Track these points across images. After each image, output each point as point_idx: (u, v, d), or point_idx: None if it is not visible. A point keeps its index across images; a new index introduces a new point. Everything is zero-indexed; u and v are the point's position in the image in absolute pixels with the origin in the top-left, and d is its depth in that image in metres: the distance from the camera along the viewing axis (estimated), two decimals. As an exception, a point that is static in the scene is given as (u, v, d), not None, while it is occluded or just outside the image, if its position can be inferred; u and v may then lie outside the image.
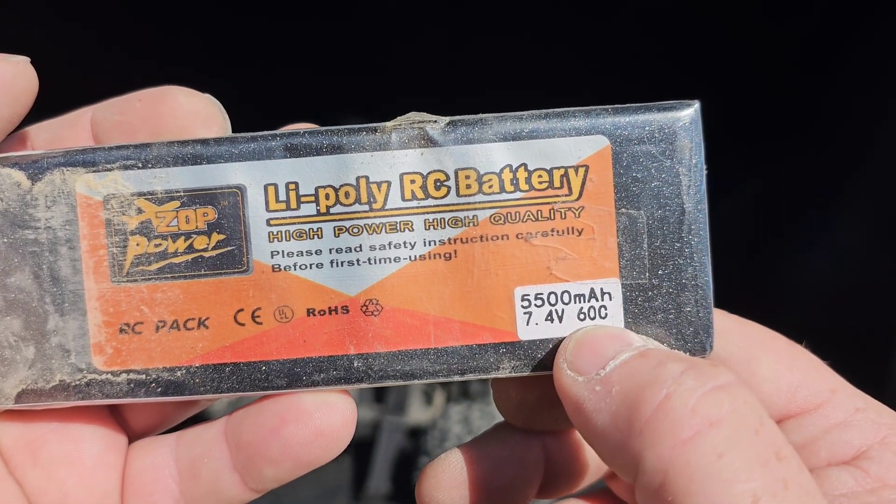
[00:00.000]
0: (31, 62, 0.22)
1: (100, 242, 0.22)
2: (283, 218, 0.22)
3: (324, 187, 0.22)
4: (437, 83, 0.68)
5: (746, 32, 0.68)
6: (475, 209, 0.22)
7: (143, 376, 0.22)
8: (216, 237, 0.22)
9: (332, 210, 0.22)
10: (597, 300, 0.22)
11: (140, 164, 0.22)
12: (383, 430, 0.78)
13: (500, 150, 0.22)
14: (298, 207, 0.22)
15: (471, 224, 0.22)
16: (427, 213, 0.22)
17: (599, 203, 0.22)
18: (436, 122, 0.22)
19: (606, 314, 0.22)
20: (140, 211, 0.22)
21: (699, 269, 0.22)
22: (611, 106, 0.22)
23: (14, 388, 0.22)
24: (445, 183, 0.22)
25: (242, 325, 0.22)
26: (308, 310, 0.22)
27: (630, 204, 0.22)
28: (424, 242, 0.22)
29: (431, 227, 0.22)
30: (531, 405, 0.24)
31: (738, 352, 0.24)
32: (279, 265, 0.22)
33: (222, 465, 0.23)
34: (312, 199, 0.22)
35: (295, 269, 0.22)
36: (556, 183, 0.22)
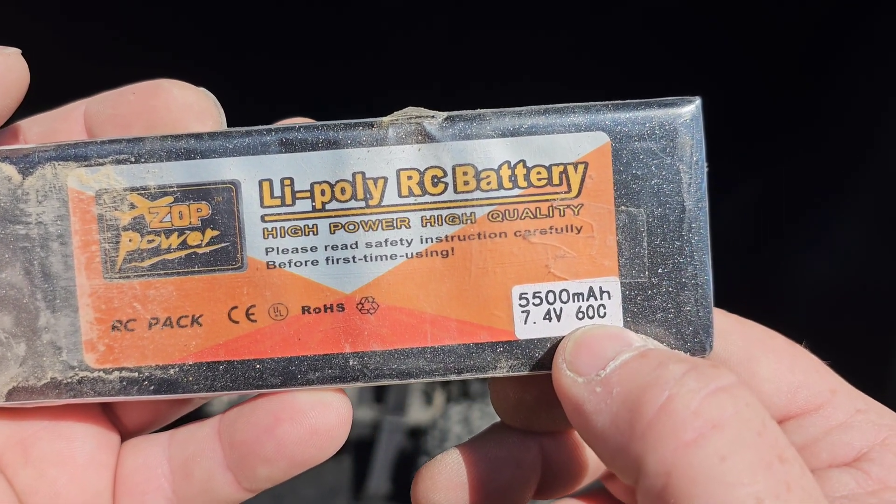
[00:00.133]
0: (24, 53, 0.22)
1: (92, 238, 0.22)
2: (278, 214, 0.22)
3: (319, 183, 0.22)
4: (436, 75, 0.68)
5: (748, 31, 0.67)
6: (473, 206, 0.22)
7: (136, 374, 0.22)
8: (210, 233, 0.22)
9: (327, 206, 0.22)
10: (596, 299, 0.22)
11: (133, 159, 0.22)
12: (383, 430, 0.78)
13: (498, 146, 0.21)
14: (293, 203, 0.22)
15: (468, 221, 0.22)
16: (424, 209, 0.22)
17: (599, 200, 0.21)
18: (433, 117, 0.22)
19: (605, 313, 0.22)
20: (133, 206, 0.22)
21: (699, 267, 0.22)
22: (611, 102, 0.22)
23: (5, 386, 0.22)
24: (443, 179, 0.22)
25: (236, 322, 0.22)
26: (303, 307, 0.22)
27: (630, 201, 0.21)
28: (421, 240, 0.22)
29: (428, 225, 0.22)
30: (529, 405, 0.24)
31: (738, 352, 0.23)
32: (274, 262, 0.22)
33: (215, 464, 0.22)
34: (308, 194, 0.22)
35: (290, 266, 0.22)
36: (555, 180, 0.21)
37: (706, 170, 0.22)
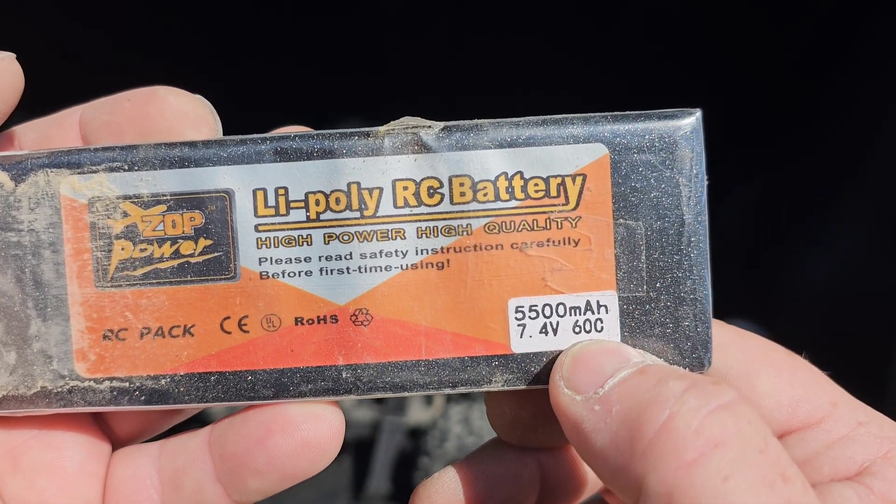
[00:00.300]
0: (19, 58, 0.22)
1: (84, 246, 0.22)
2: (272, 224, 0.21)
3: (314, 193, 0.21)
4: (437, 85, 0.68)
5: (747, 36, 0.67)
6: (469, 217, 0.21)
7: (127, 384, 0.22)
8: (203, 242, 0.21)
9: (322, 216, 0.21)
10: (593, 313, 0.21)
11: (126, 167, 0.21)
12: (383, 430, 0.77)
13: (495, 157, 0.21)
14: (288, 213, 0.21)
15: (464, 233, 0.21)
16: (420, 220, 0.21)
17: (597, 213, 0.21)
18: (430, 127, 0.21)
19: (602, 327, 0.21)
20: (125, 214, 0.21)
21: (698, 282, 0.21)
22: (610, 113, 0.21)
23: None
24: (439, 190, 0.21)
25: (229, 333, 0.22)
26: (296, 318, 0.21)
27: (628, 214, 0.21)
28: (417, 251, 0.21)
29: (424, 236, 0.21)
30: (525, 422, 0.24)
31: (738, 366, 0.23)
32: (267, 272, 0.21)
33: (205, 475, 0.22)
34: (302, 204, 0.21)
35: (283, 277, 0.21)
36: (553, 192, 0.21)
37: (706, 183, 0.21)
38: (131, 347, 0.22)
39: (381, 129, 0.21)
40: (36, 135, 0.24)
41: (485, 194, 0.21)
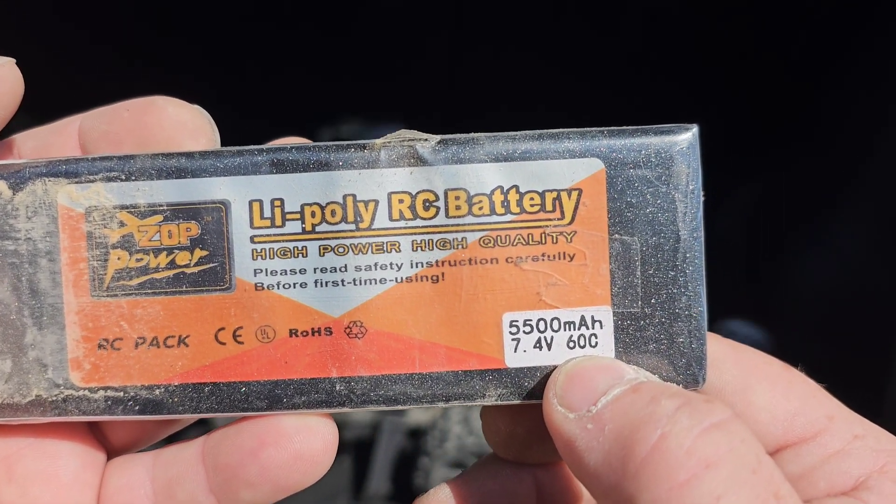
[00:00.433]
0: (18, 63, 0.22)
1: (80, 255, 0.22)
2: (268, 235, 0.21)
3: (310, 205, 0.21)
4: (435, 96, 0.68)
5: (747, 39, 0.67)
6: (464, 231, 0.21)
7: (121, 394, 0.22)
8: (199, 253, 0.22)
9: (317, 228, 0.21)
10: (587, 328, 0.21)
11: (123, 177, 0.21)
12: (383, 430, 0.77)
13: (491, 170, 0.21)
14: (283, 225, 0.21)
15: (459, 246, 0.21)
16: (415, 233, 0.21)
17: (592, 228, 0.21)
18: (426, 140, 0.21)
19: (597, 343, 0.21)
20: (122, 224, 0.22)
21: (693, 298, 0.21)
22: (606, 128, 0.21)
23: None
24: (434, 203, 0.21)
25: (223, 344, 0.22)
26: (290, 330, 0.21)
27: (624, 230, 0.21)
28: (411, 264, 0.21)
29: (419, 249, 0.21)
30: (521, 438, 0.24)
31: (733, 381, 0.23)
32: (262, 284, 0.21)
33: (198, 486, 0.22)
34: (298, 216, 0.21)
35: (278, 289, 0.21)
36: (549, 206, 0.21)
37: (702, 199, 0.21)
38: (126, 357, 0.22)
39: (378, 141, 0.21)
40: (36, 143, 0.24)
41: (480, 208, 0.21)
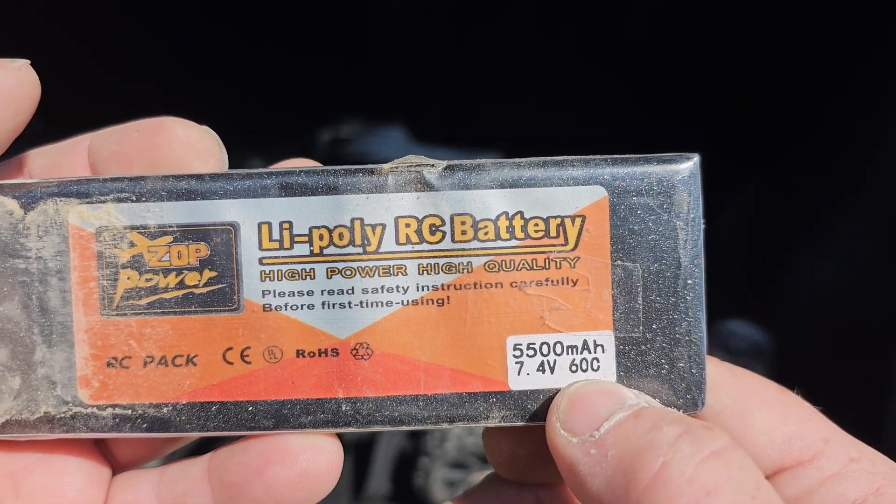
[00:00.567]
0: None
1: (90, 275, 0.22)
2: (276, 257, 0.22)
3: (318, 228, 0.22)
4: (436, 99, 0.68)
5: (749, 42, 0.67)
6: (470, 256, 0.22)
7: (129, 411, 0.22)
8: (208, 274, 0.22)
9: (325, 251, 0.22)
10: (589, 352, 0.22)
11: (134, 198, 0.22)
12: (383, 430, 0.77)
13: (496, 196, 0.22)
14: (292, 247, 0.22)
15: (465, 271, 0.22)
16: (421, 257, 0.22)
17: (595, 254, 0.22)
18: (433, 165, 0.22)
19: (599, 367, 0.22)
20: (132, 244, 0.22)
21: (693, 324, 0.22)
22: (609, 156, 0.22)
23: None
24: (441, 228, 0.22)
25: (231, 363, 0.22)
26: (298, 351, 0.22)
27: (626, 256, 0.22)
28: (417, 287, 0.22)
29: (425, 273, 0.22)
30: (523, 459, 0.24)
31: (732, 404, 0.23)
32: (270, 305, 0.22)
33: (204, 503, 0.23)
34: (306, 239, 0.22)
35: (286, 310, 0.22)
36: (553, 232, 0.22)
37: (703, 227, 0.22)
38: (134, 375, 0.22)
39: (385, 166, 0.22)
40: (45, 161, 0.24)
41: (486, 233, 0.22)
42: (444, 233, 0.22)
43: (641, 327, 0.22)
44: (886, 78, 0.60)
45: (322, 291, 0.22)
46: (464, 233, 0.22)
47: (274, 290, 0.22)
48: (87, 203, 0.22)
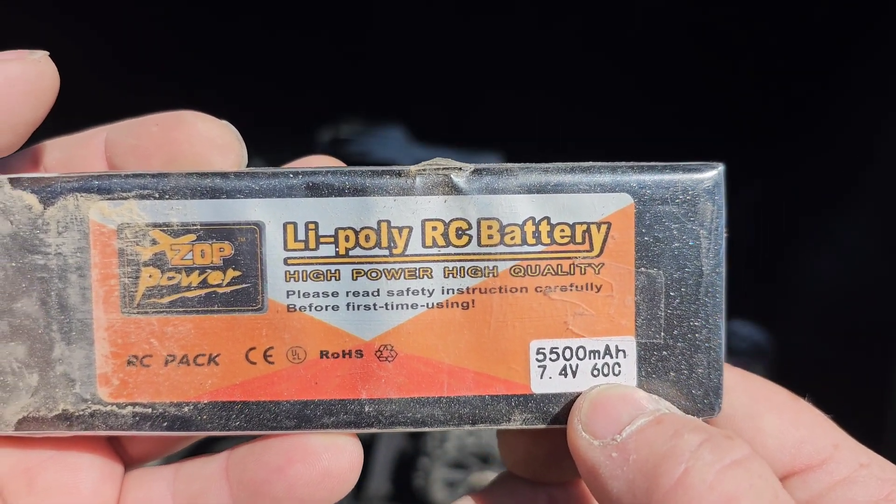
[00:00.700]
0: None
1: (111, 272, 0.22)
2: (301, 258, 0.22)
3: (344, 229, 0.22)
4: (437, 99, 0.68)
5: (749, 37, 0.67)
6: (496, 260, 0.22)
7: (150, 410, 0.22)
8: (231, 273, 0.22)
9: (351, 252, 0.22)
10: (611, 357, 0.22)
11: (157, 195, 0.21)
12: (383, 430, 0.77)
13: (523, 201, 0.22)
14: (317, 248, 0.22)
15: (490, 275, 0.22)
16: (447, 261, 0.22)
17: (620, 261, 0.22)
18: (461, 169, 0.22)
19: (620, 371, 0.22)
20: (154, 242, 0.22)
21: (713, 331, 0.22)
22: (636, 164, 0.22)
23: (14, 415, 0.22)
24: (467, 232, 0.22)
25: (254, 363, 0.22)
26: (321, 352, 0.22)
27: (650, 263, 0.22)
28: (443, 290, 0.22)
29: (451, 276, 0.22)
30: (539, 459, 0.24)
31: (743, 408, 0.24)
32: (294, 305, 0.22)
33: (221, 501, 0.22)
34: (332, 240, 0.22)
35: (310, 311, 0.22)
36: (578, 238, 0.22)
37: (725, 236, 0.22)
38: (155, 374, 0.22)
39: (413, 168, 0.22)
40: (60, 154, 0.24)
41: (512, 238, 0.22)
42: (470, 236, 0.22)
43: (663, 333, 0.22)
44: (887, 76, 0.61)
45: (347, 293, 0.22)
46: (490, 237, 0.22)
47: (298, 291, 0.22)
48: (109, 199, 0.21)
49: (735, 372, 0.24)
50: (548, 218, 0.22)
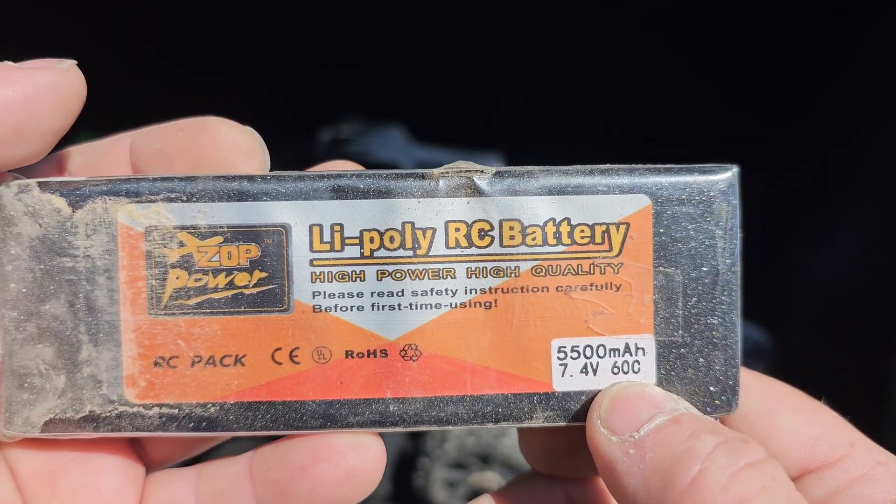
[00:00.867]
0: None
1: (139, 274, 0.22)
2: (327, 259, 0.22)
3: (369, 230, 0.22)
4: (436, 99, 0.68)
5: (751, 36, 0.68)
6: (517, 260, 0.22)
7: (176, 411, 0.22)
8: (258, 275, 0.22)
9: (375, 254, 0.22)
10: (631, 355, 0.22)
11: (184, 198, 0.22)
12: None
13: (544, 203, 0.22)
14: (342, 249, 0.22)
15: (512, 275, 0.22)
16: (470, 261, 0.22)
17: (638, 260, 0.22)
18: (483, 171, 0.22)
19: (639, 369, 0.23)
20: (182, 244, 0.22)
21: (730, 328, 0.23)
22: (653, 166, 0.22)
23: (41, 417, 0.22)
24: (490, 233, 0.22)
25: (280, 364, 0.22)
26: (347, 352, 0.22)
27: (667, 262, 0.22)
28: (466, 290, 0.22)
29: (473, 276, 0.22)
30: (557, 453, 0.25)
31: (758, 406, 0.24)
32: (320, 306, 0.22)
33: (245, 502, 0.23)
34: (357, 241, 0.22)
35: (336, 311, 0.22)
36: (598, 238, 0.22)
37: (740, 236, 0.23)
38: (182, 375, 0.22)
39: (436, 171, 0.22)
40: (84, 159, 0.24)
41: (533, 238, 0.22)
42: (492, 237, 0.22)
43: (681, 331, 0.22)
44: (887, 74, 0.61)
45: (372, 293, 0.22)
46: (512, 238, 0.22)
47: (324, 292, 0.22)
48: (137, 202, 0.22)
49: (750, 374, 0.25)
50: (568, 219, 0.22)
